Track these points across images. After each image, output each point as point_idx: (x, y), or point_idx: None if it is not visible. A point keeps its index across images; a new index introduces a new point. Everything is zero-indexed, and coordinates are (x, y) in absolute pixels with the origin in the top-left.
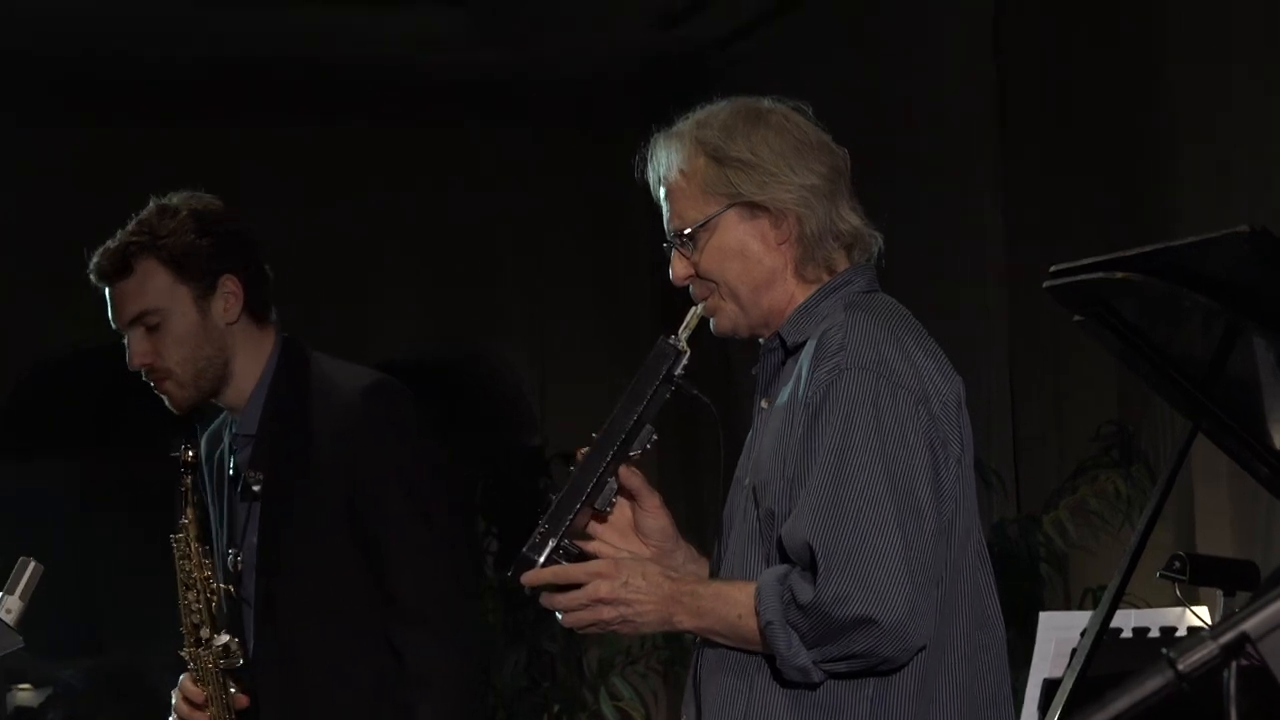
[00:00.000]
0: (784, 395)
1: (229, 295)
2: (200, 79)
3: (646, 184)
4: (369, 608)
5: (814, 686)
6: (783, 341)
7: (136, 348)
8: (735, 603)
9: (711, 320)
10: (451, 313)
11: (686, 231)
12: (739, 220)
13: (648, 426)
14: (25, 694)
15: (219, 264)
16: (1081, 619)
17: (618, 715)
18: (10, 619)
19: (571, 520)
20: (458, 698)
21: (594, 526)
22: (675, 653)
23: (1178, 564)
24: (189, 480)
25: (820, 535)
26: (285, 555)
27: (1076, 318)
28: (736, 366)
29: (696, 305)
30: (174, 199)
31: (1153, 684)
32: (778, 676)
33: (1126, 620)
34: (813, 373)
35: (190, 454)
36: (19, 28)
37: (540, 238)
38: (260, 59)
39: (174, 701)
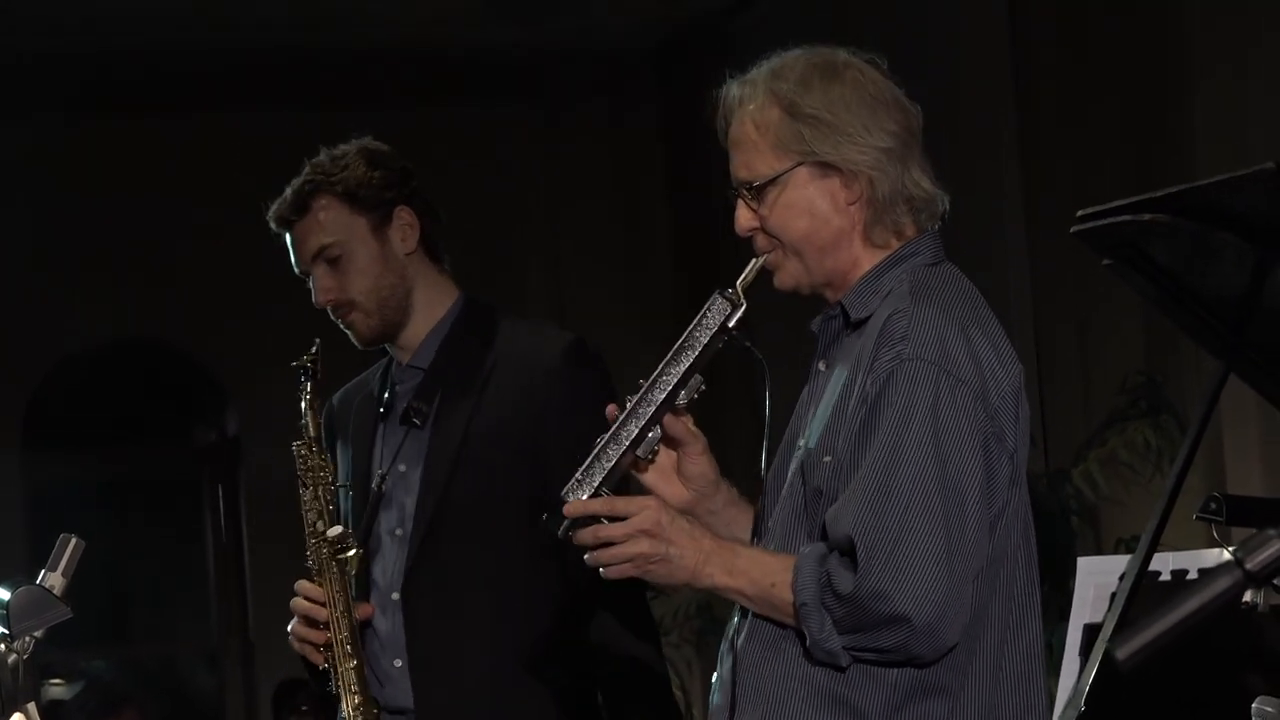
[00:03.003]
0: (843, 368)
1: (405, 225)
2: (213, 67)
3: (670, 159)
4: (537, 553)
5: (842, 669)
6: (845, 312)
7: (320, 284)
8: (771, 570)
9: (774, 275)
10: (472, 289)
11: (755, 184)
12: (809, 179)
13: (697, 376)
14: (57, 688)
15: (392, 194)
16: (1120, 563)
17: None
18: (55, 593)
19: (612, 467)
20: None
21: (636, 474)
22: (707, 623)
23: (1214, 505)
24: (309, 385)
25: (865, 527)
26: (455, 486)
27: (1105, 261)
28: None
29: (758, 257)
30: (341, 146)
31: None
32: (807, 652)
33: (1164, 563)
34: (874, 357)
35: (310, 359)
36: (28, 26)
37: (561, 214)
38: (275, 44)
39: (293, 603)
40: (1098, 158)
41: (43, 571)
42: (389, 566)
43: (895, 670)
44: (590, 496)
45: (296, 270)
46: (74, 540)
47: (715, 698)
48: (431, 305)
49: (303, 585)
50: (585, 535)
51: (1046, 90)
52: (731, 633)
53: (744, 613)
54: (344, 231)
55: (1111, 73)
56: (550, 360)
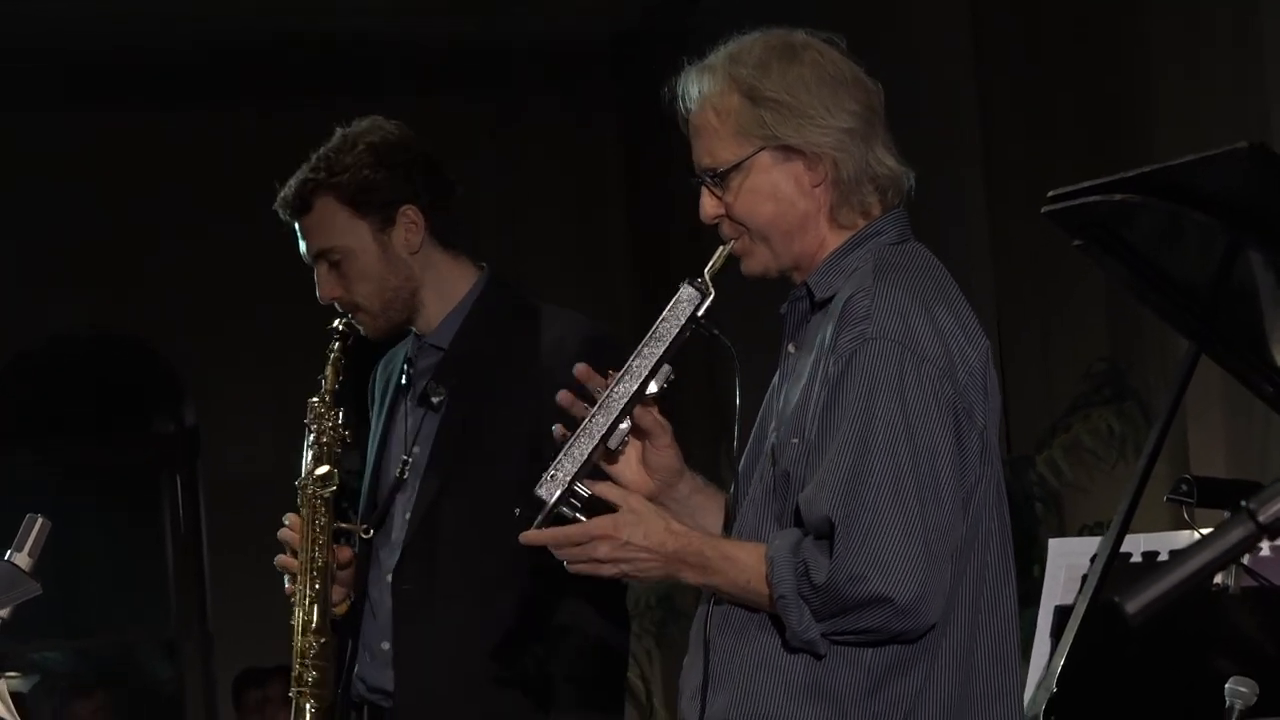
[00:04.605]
0: (809, 350)
1: (409, 225)
2: (165, 63)
3: (627, 154)
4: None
5: (819, 656)
6: (810, 293)
7: (324, 282)
8: (744, 567)
9: (742, 261)
10: None
11: (718, 171)
12: (773, 163)
13: (667, 366)
14: (14, 681)
15: (397, 195)
16: (1091, 545)
17: None
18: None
19: (585, 460)
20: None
21: (604, 465)
22: (668, 613)
23: (1184, 486)
24: (336, 346)
25: (840, 511)
26: (457, 476)
27: (1076, 242)
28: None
29: (725, 244)
30: (357, 126)
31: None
32: (783, 637)
33: (1135, 545)
34: (836, 338)
35: (342, 325)
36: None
37: (516, 210)
38: (225, 40)
39: (279, 533)
40: (1059, 143)
41: (9, 551)
42: (394, 549)
43: (869, 652)
44: (564, 492)
45: (305, 260)
46: (40, 520)
47: (686, 683)
48: (445, 293)
49: (290, 516)
50: (553, 553)
51: (1006, 79)
52: (701, 618)
53: (711, 599)
54: (346, 236)
55: (1071, 60)
56: (565, 353)
